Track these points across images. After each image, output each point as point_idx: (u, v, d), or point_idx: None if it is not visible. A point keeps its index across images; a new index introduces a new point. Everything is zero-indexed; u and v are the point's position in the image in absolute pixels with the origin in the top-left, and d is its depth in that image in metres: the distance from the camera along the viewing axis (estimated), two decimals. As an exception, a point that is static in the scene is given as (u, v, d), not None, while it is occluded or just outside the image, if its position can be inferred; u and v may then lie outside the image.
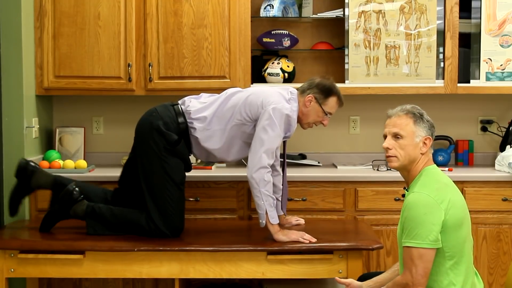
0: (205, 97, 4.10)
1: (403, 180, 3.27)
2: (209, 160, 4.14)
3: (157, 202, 3.91)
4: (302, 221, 4.20)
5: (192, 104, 4.03)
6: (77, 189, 4.05)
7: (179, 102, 4.06)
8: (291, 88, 4.09)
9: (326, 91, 4.02)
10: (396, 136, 3.17)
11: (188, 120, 3.96)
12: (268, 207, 3.82)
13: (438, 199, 3.01)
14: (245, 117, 3.93)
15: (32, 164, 4.16)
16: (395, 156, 3.17)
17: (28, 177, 4.13)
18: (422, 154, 3.15)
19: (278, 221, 3.86)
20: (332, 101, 4.04)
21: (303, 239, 3.82)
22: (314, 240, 3.82)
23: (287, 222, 4.19)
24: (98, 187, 4.30)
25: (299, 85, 4.22)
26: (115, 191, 4.20)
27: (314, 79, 4.07)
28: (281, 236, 3.83)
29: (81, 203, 4.02)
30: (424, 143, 3.15)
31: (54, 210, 4.06)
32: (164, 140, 3.90)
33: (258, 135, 3.87)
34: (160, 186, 3.91)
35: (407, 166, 3.19)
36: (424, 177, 3.12)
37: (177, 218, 3.93)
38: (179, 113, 3.98)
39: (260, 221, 3.88)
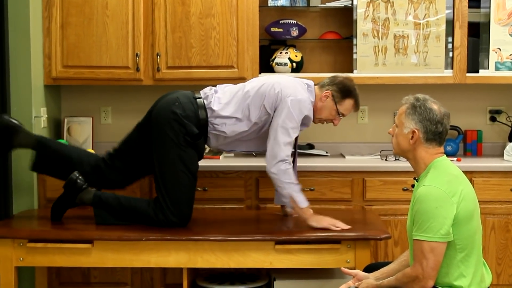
0: (222, 90, 4.06)
1: (412, 170, 3.26)
2: (224, 150, 4.15)
3: (168, 189, 3.91)
4: (310, 211, 4.19)
5: (214, 100, 3.98)
6: (80, 177, 4.04)
7: (201, 95, 4.02)
8: (308, 81, 4.08)
9: (345, 92, 4.00)
10: (395, 124, 3.22)
11: (210, 118, 3.95)
12: (293, 193, 3.83)
13: (449, 192, 3.00)
14: (265, 109, 3.92)
15: (15, 121, 4.12)
16: (393, 143, 3.23)
17: (10, 134, 4.09)
18: (413, 146, 3.13)
19: (307, 204, 3.86)
20: (348, 103, 4.02)
21: (335, 227, 3.82)
22: (347, 227, 3.82)
23: (294, 213, 4.19)
24: (89, 154, 4.26)
25: (307, 74, 4.22)
26: (109, 157, 4.15)
27: (337, 77, 4.05)
28: (313, 222, 3.84)
29: (86, 191, 4.03)
30: (412, 135, 3.14)
31: (60, 199, 4.07)
32: (184, 130, 3.89)
33: (276, 127, 3.86)
34: (175, 174, 3.91)
35: (403, 155, 3.21)
36: (434, 170, 3.10)
37: (186, 206, 3.94)
38: (201, 108, 3.95)
39: (288, 209, 3.93)
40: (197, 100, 3.97)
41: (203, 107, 3.95)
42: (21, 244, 3.89)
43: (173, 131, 3.89)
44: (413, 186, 3.32)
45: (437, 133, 3.12)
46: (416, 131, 3.11)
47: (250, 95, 3.96)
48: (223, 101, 3.98)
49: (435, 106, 3.14)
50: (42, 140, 4.16)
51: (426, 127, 3.11)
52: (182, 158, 3.90)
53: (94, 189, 4.06)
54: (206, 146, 4.09)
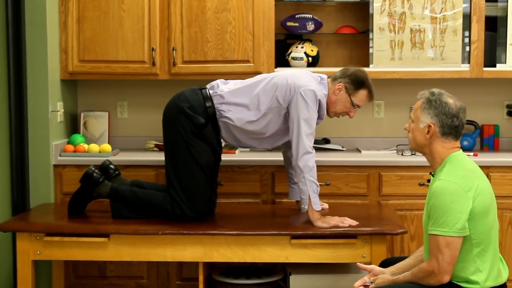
0: (232, 82, 4.09)
1: (428, 165, 3.25)
2: (239, 145, 4.14)
3: (182, 185, 3.93)
4: (326, 206, 4.19)
5: (221, 88, 4.01)
6: (96, 171, 4.08)
7: (207, 86, 4.05)
8: (321, 74, 4.07)
9: (358, 83, 3.98)
10: (411, 119, 3.21)
11: (216, 104, 3.96)
12: (311, 193, 3.82)
13: (465, 187, 2.99)
14: (277, 100, 3.92)
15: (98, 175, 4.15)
16: (409, 138, 3.22)
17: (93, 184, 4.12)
18: (429, 140, 3.12)
19: (320, 208, 3.86)
20: (362, 94, 4.00)
21: (343, 224, 3.82)
22: (355, 223, 3.82)
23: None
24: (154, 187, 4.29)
25: (323, 69, 4.21)
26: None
27: (349, 69, 4.03)
28: (321, 223, 3.83)
29: (103, 184, 4.05)
30: (428, 130, 3.13)
31: (77, 193, 4.09)
32: (191, 123, 3.91)
33: (294, 120, 3.86)
34: (186, 169, 3.92)
35: (419, 150, 3.20)
36: (450, 164, 3.08)
37: (202, 201, 3.95)
38: (207, 97, 3.96)
39: (302, 206, 3.89)
40: (203, 90, 3.99)
41: (209, 96, 3.96)
42: (38, 237, 3.91)
43: (181, 126, 3.92)
44: (429, 181, 3.30)
45: (453, 127, 3.10)
46: (432, 125, 3.10)
47: (261, 85, 3.97)
48: (231, 88, 4.01)
49: (450, 100, 3.13)
50: (118, 190, 4.13)
51: (442, 121, 3.10)
52: (191, 153, 3.92)
53: (111, 183, 4.09)
54: (222, 140, 4.10)
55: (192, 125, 3.91)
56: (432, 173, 3.19)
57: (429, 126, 3.11)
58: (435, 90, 3.17)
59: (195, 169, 3.93)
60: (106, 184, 4.07)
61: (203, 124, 3.92)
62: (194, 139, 3.92)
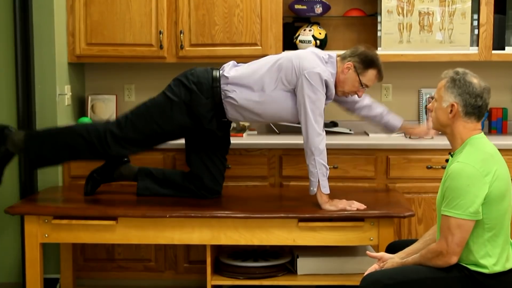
0: (242, 65, 4.08)
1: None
2: (244, 120, 4.13)
3: (126, 125, 4.00)
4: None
5: (229, 70, 4.01)
6: None
7: (220, 67, 4.06)
8: (331, 52, 4.05)
9: (367, 62, 3.96)
10: (434, 98, 3.18)
11: (222, 85, 3.95)
12: (321, 176, 3.82)
13: (483, 171, 2.97)
14: (282, 82, 3.91)
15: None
16: (432, 118, 3.20)
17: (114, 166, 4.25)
18: (452, 120, 3.10)
19: (328, 192, 3.86)
20: (371, 73, 3.98)
21: (350, 207, 3.82)
22: (362, 207, 3.82)
23: (416, 133, 4.40)
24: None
25: (331, 52, 4.18)
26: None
27: (358, 48, 4.00)
28: (329, 206, 3.83)
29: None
30: (451, 109, 3.11)
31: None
32: (189, 95, 3.94)
33: (302, 103, 3.85)
34: (145, 116, 4.00)
35: (441, 129, 3.18)
36: (470, 147, 3.06)
37: (130, 148, 4.03)
38: (216, 78, 3.97)
39: (311, 188, 3.88)
40: (214, 71, 4.00)
41: (218, 77, 3.97)
42: (46, 220, 3.92)
43: (176, 90, 3.97)
44: (447, 161, 3.28)
45: (477, 107, 3.08)
46: (455, 104, 3.08)
47: (267, 67, 3.96)
48: (239, 69, 4.02)
49: (475, 80, 3.10)
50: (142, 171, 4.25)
51: (465, 100, 3.07)
52: (165, 110, 3.97)
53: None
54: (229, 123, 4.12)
55: (189, 98, 3.93)
56: (451, 154, 3.17)
57: (452, 105, 3.09)
58: (460, 69, 3.14)
59: (153, 124, 3.97)
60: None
61: (202, 103, 3.93)
62: (179, 106, 3.95)
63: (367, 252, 3.41)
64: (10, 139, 4.05)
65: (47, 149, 4.04)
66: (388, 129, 4.36)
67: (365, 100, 4.29)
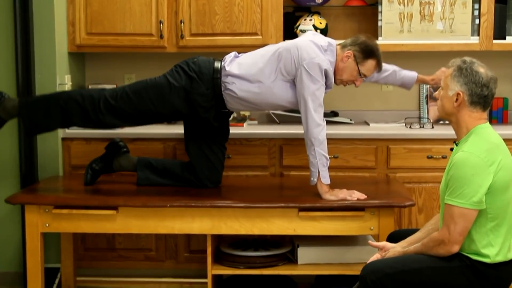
0: (243, 56, 4.07)
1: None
2: (245, 109, 4.13)
3: (122, 97, 3.99)
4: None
5: (229, 61, 3.99)
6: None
7: (222, 59, 4.04)
8: (332, 40, 4.05)
9: (367, 52, 3.94)
10: (441, 87, 3.18)
11: (222, 77, 3.95)
12: (321, 166, 3.82)
13: (487, 161, 2.97)
14: (281, 73, 3.90)
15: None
16: (437, 106, 3.20)
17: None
18: (457, 108, 3.10)
19: (329, 182, 3.85)
20: (370, 63, 3.97)
21: (351, 197, 3.82)
22: (363, 197, 3.82)
23: (434, 81, 4.38)
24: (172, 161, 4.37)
25: (330, 39, 4.18)
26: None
27: (359, 37, 3.99)
28: (329, 196, 3.83)
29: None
30: (456, 98, 3.11)
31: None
32: (189, 82, 3.93)
33: (301, 94, 3.84)
34: (142, 94, 3.98)
35: (447, 118, 3.18)
36: (475, 136, 3.06)
37: (117, 121, 4.04)
38: (216, 70, 3.95)
39: (312, 178, 3.87)
40: (215, 62, 3.99)
41: (219, 68, 3.96)
42: (47, 210, 3.92)
43: (177, 76, 3.96)
44: (451, 149, 3.28)
45: (482, 96, 3.07)
46: (461, 93, 3.07)
47: (266, 58, 3.95)
48: (239, 61, 4.00)
49: (482, 69, 3.09)
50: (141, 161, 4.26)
51: (471, 89, 3.07)
52: (162, 92, 3.95)
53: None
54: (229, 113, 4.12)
55: (189, 85, 3.92)
56: (456, 142, 3.17)
57: (458, 94, 3.08)
58: (467, 58, 3.13)
59: (148, 102, 3.96)
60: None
61: (201, 93, 3.93)
62: (178, 91, 3.94)
63: (369, 241, 3.42)
64: (2, 105, 4.03)
65: (41, 114, 4.02)
66: (406, 84, 4.39)
67: (387, 70, 4.33)
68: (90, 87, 5.04)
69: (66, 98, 4.01)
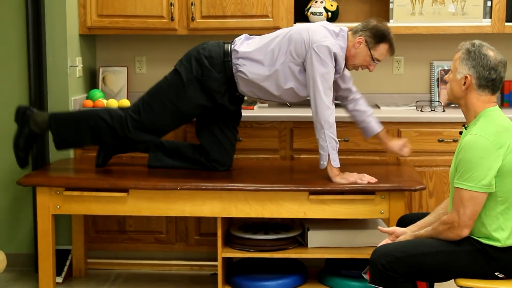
0: (254, 38, 4.07)
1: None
2: (258, 97, 4.12)
3: (144, 109, 4.02)
4: (406, 151, 4.21)
5: (240, 43, 4.00)
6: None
7: (232, 42, 4.04)
8: (342, 26, 4.03)
9: (379, 36, 3.93)
10: (450, 70, 3.17)
11: (233, 59, 3.94)
12: (330, 149, 3.82)
13: (497, 144, 2.96)
14: (292, 55, 3.89)
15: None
16: (446, 89, 3.19)
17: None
18: (465, 92, 3.09)
19: (339, 165, 3.85)
20: (383, 48, 3.95)
21: (361, 180, 3.82)
22: (374, 180, 3.82)
23: (391, 145, 4.25)
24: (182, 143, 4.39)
25: (342, 24, 4.16)
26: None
27: (370, 22, 3.97)
28: (340, 179, 3.83)
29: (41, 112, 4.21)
30: (464, 81, 3.09)
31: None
32: (200, 70, 3.93)
33: (310, 76, 3.84)
34: (160, 98, 4.01)
35: (455, 101, 3.17)
36: (483, 119, 3.06)
37: (149, 134, 4.06)
38: (227, 53, 3.95)
39: (321, 162, 3.87)
40: (225, 45, 3.99)
41: (229, 51, 3.96)
42: (58, 192, 3.94)
43: (188, 67, 3.97)
44: (461, 133, 3.27)
45: (490, 80, 3.06)
46: (468, 76, 3.07)
47: (277, 41, 3.95)
48: (250, 43, 4.00)
49: (491, 52, 3.08)
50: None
51: (479, 73, 3.06)
52: (179, 90, 3.97)
53: None
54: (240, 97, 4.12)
55: (201, 73, 3.92)
56: (465, 126, 3.16)
57: (466, 77, 3.07)
58: (476, 41, 3.12)
59: (169, 105, 3.98)
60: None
61: (214, 78, 3.93)
62: (192, 84, 3.95)
63: (379, 227, 3.42)
64: (32, 120, 4.10)
65: (71, 132, 4.10)
66: (367, 130, 4.26)
67: (358, 94, 4.27)
68: (101, 69, 5.04)
69: (95, 118, 4.05)
